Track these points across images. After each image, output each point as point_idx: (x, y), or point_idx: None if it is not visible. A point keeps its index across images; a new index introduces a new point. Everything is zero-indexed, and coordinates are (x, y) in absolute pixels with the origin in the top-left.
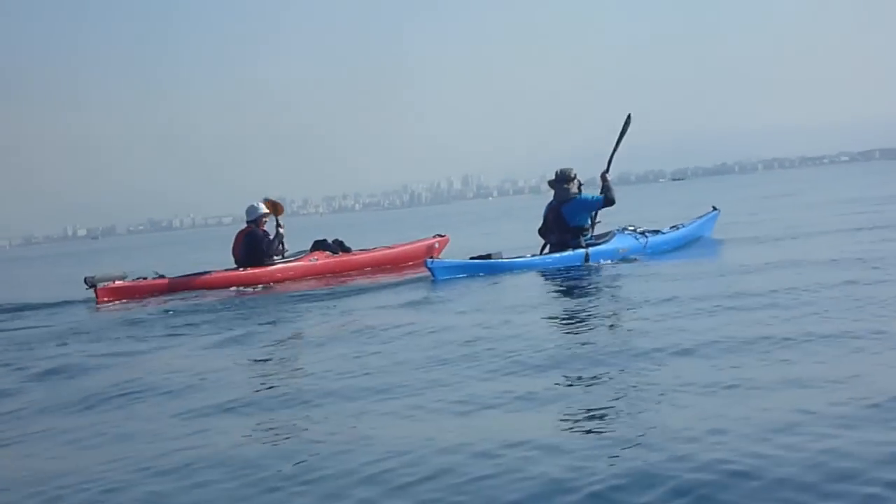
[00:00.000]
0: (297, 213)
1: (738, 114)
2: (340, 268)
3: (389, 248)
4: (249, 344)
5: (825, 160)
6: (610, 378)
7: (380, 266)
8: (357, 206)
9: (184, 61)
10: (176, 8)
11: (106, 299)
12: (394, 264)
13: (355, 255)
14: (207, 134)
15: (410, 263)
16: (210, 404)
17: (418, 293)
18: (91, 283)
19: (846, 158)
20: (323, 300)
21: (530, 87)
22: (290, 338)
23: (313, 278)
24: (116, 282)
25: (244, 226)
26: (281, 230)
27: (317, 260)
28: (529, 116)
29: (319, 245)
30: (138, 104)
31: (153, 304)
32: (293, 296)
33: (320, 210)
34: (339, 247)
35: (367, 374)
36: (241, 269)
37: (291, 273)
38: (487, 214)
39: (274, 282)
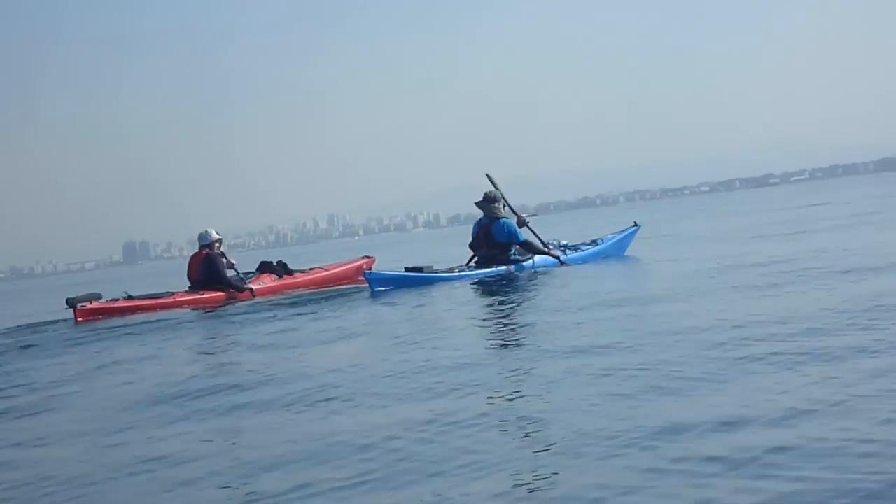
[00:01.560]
0: (162, 257)
1: (600, 154)
2: (286, 290)
3: (324, 268)
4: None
5: (686, 191)
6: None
7: (319, 285)
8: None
9: (40, 101)
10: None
11: (81, 319)
12: (330, 284)
13: (297, 277)
14: (68, 179)
15: (346, 282)
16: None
17: (356, 303)
18: (71, 303)
19: (707, 188)
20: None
21: (391, 126)
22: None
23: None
24: (93, 302)
25: (196, 251)
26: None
27: (264, 284)
28: (391, 155)
29: (266, 267)
30: None
31: (124, 321)
32: (246, 311)
33: (184, 252)
34: (283, 269)
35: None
36: (198, 291)
37: (244, 297)
38: (360, 249)
39: (228, 304)
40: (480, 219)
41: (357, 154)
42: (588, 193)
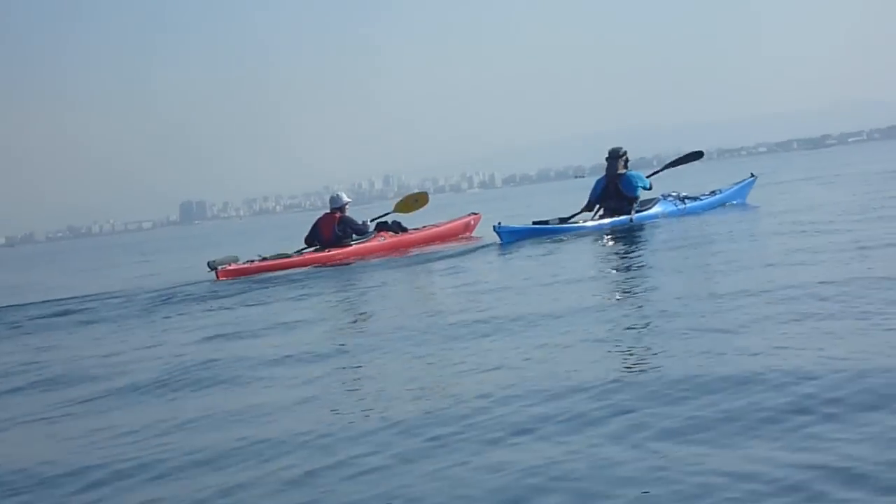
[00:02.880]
0: (218, 217)
1: (655, 112)
2: (404, 244)
3: (435, 225)
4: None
5: (742, 152)
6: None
7: (432, 241)
8: (278, 208)
9: (85, 72)
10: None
11: (223, 278)
12: (442, 239)
13: (411, 233)
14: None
15: (460, 236)
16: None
17: (490, 254)
18: (212, 265)
19: (764, 149)
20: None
21: (447, 87)
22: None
23: (386, 253)
24: (232, 264)
25: (327, 211)
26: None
27: (384, 239)
28: (445, 115)
29: (382, 226)
30: (47, 117)
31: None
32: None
33: (241, 213)
34: (398, 227)
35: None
36: (327, 249)
37: (369, 250)
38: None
39: (357, 257)
40: (603, 176)
41: (410, 113)
42: (645, 154)
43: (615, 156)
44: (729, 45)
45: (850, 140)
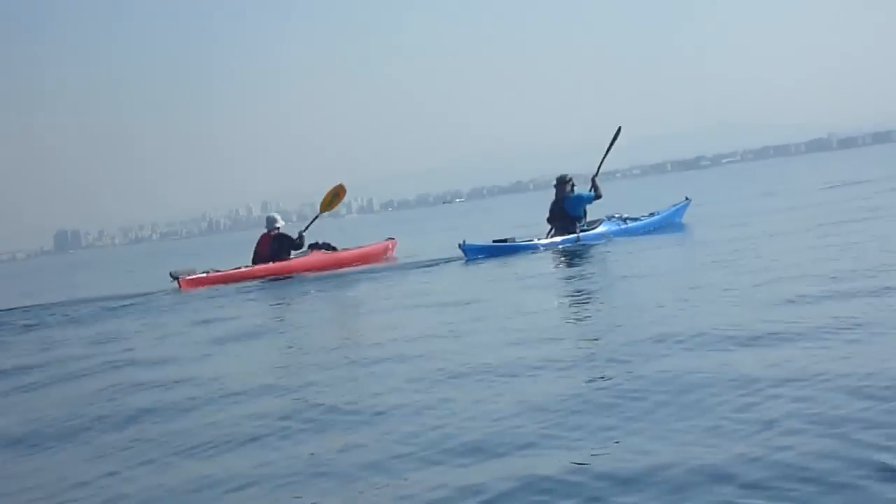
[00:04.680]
0: (93, 245)
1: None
2: (335, 262)
3: (359, 247)
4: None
5: (617, 174)
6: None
7: (359, 261)
8: (155, 236)
9: None
10: None
11: (185, 288)
12: (366, 260)
13: (341, 253)
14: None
15: (381, 257)
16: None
17: (456, 269)
18: (174, 275)
19: (638, 171)
20: (377, 279)
21: (324, 114)
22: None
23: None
24: (192, 275)
25: (265, 231)
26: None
27: (319, 255)
28: (323, 141)
29: (314, 246)
30: None
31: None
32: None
33: (116, 241)
34: (328, 247)
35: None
36: (266, 263)
37: (306, 265)
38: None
39: (296, 272)
40: (554, 199)
41: (286, 141)
42: (521, 178)
43: (562, 182)
44: (612, 68)
45: (724, 161)
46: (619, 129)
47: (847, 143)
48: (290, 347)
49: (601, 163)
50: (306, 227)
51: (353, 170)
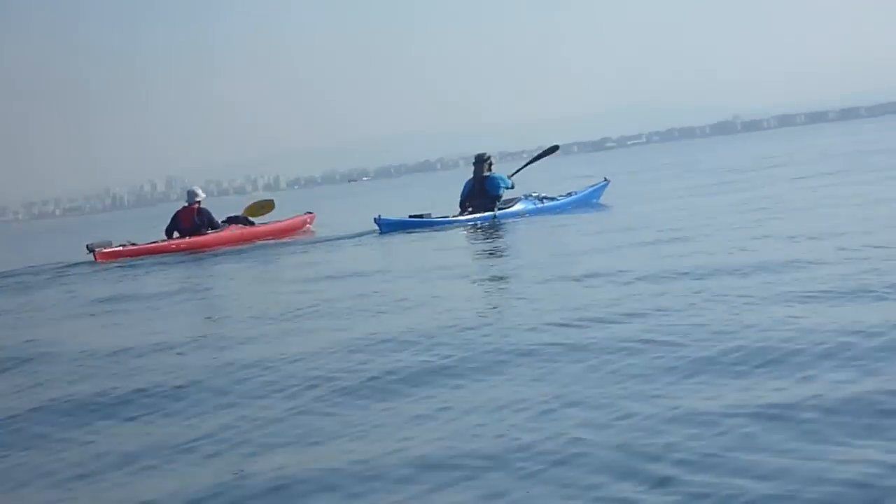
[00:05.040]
0: None
1: (437, 115)
2: (252, 236)
3: (279, 221)
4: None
5: (524, 154)
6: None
7: (276, 235)
8: (58, 211)
9: None
10: None
11: (101, 260)
12: (285, 233)
13: (258, 227)
14: None
15: (298, 231)
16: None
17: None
18: (90, 248)
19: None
20: (295, 254)
21: (227, 88)
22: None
23: (243, 242)
24: (108, 248)
25: (185, 205)
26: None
27: (234, 232)
28: (226, 117)
29: (232, 220)
30: None
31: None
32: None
33: (19, 216)
34: (245, 221)
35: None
36: (187, 237)
37: (225, 240)
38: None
39: (213, 246)
40: (471, 178)
41: (190, 115)
42: (429, 157)
43: (480, 160)
44: (517, 50)
45: (629, 143)
46: (556, 147)
47: (751, 125)
48: (209, 318)
49: (524, 167)
50: (228, 218)
51: (259, 145)
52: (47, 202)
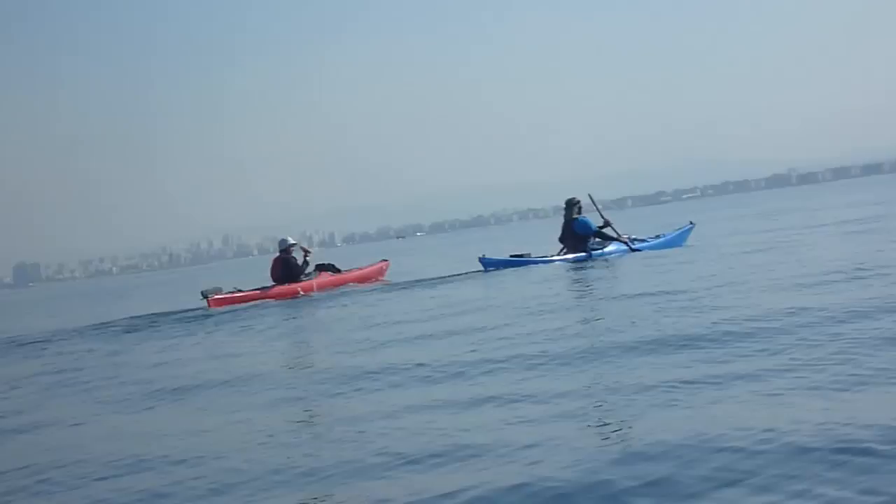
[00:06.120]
0: (53, 279)
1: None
2: (342, 281)
3: (360, 269)
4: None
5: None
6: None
7: (362, 279)
8: (114, 269)
9: None
10: None
11: (213, 307)
12: (368, 278)
13: (345, 273)
14: None
15: (378, 276)
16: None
17: (477, 280)
18: (204, 294)
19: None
20: (389, 298)
21: (280, 146)
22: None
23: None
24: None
25: (277, 254)
26: (307, 258)
27: (325, 279)
28: (276, 176)
29: (321, 267)
30: None
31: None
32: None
33: (76, 274)
34: (333, 268)
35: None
36: (279, 284)
37: (321, 285)
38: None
39: (306, 291)
40: (564, 221)
41: (245, 173)
42: (482, 212)
43: (570, 205)
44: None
45: (684, 196)
46: (590, 195)
47: (807, 178)
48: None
49: (598, 211)
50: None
51: (310, 204)
52: (104, 260)
